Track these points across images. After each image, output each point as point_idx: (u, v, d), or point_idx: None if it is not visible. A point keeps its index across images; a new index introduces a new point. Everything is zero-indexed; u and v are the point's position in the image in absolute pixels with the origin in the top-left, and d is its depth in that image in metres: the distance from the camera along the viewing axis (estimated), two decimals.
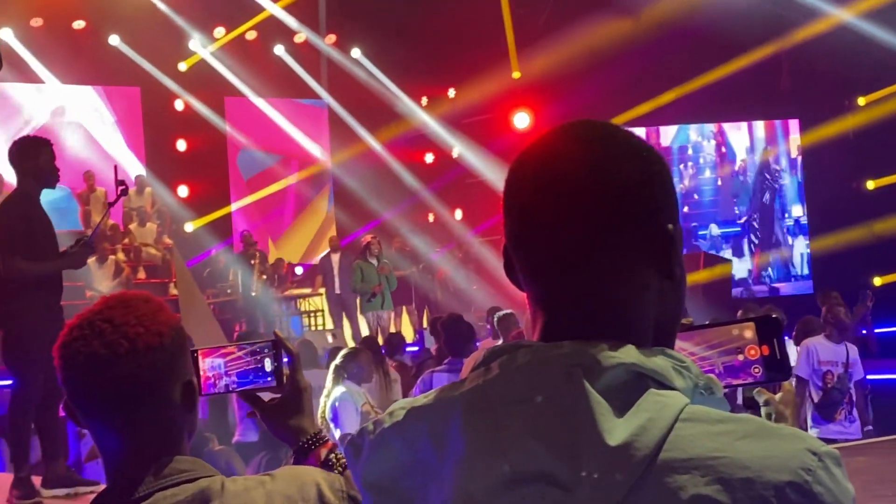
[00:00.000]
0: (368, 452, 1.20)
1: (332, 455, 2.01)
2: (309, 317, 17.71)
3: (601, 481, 1.02)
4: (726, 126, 20.25)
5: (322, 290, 17.23)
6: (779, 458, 1.02)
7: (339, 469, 1.97)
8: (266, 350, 2.00)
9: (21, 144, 6.26)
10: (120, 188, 6.79)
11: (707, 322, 1.58)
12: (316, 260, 18.44)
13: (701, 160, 20.40)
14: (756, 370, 1.48)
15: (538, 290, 1.19)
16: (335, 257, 16.92)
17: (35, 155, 6.16)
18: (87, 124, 18.56)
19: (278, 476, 1.77)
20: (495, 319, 10.45)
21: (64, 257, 6.34)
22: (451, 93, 20.46)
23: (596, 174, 1.15)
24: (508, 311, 10.69)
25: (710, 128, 20.28)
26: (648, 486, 1.02)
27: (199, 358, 2.01)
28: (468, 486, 1.09)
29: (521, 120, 18.28)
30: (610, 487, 1.02)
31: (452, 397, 1.15)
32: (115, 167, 8.18)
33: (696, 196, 20.32)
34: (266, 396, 2.07)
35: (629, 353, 1.09)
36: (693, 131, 20.20)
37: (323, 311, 17.47)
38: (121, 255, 16.20)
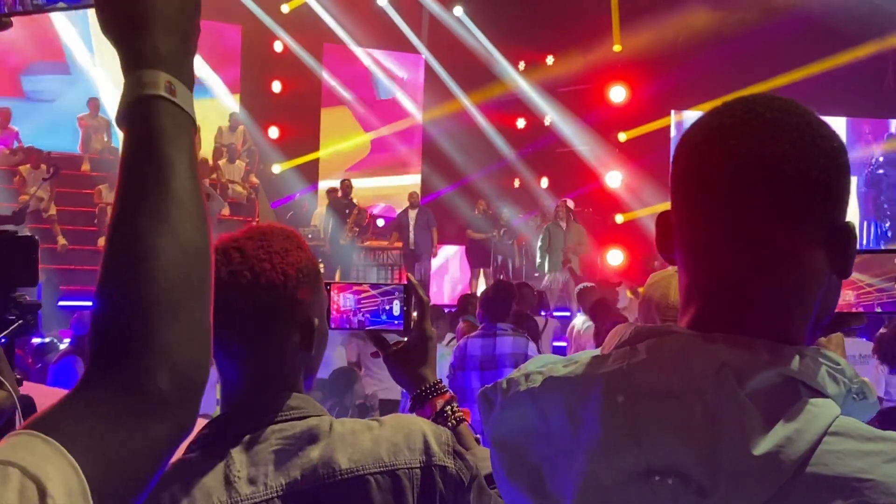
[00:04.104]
0: (500, 410, 1.18)
1: (448, 407, 1.98)
2: (386, 269, 17.78)
3: (739, 490, 0.99)
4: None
5: (398, 245, 17.28)
6: None
7: (453, 422, 1.95)
8: (396, 293, 2.00)
9: None
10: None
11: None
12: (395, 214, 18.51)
13: None
14: None
15: (702, 269, 1.14)
16: (413, 213, 16.95)
17: None
18: None
19: (386, 423, 1.73)
20: (576, 291, 10.49)
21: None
22: (550, 60, 20.28)
23: (793, 157, 1.08)
24: (589, 284, 10.71)
25: None
26: (787, 501, 0.99)
27: (333, 292, 2.01)
28: (599, 470, 1.06)
29: (618, 94, 18.04)
30: (747, 497, 0.99)
31: (594, 375, 1.12)
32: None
33: None
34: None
35: (784, 356, 1.05)
36: None
37: (400, 265, 17.51)
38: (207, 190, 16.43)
